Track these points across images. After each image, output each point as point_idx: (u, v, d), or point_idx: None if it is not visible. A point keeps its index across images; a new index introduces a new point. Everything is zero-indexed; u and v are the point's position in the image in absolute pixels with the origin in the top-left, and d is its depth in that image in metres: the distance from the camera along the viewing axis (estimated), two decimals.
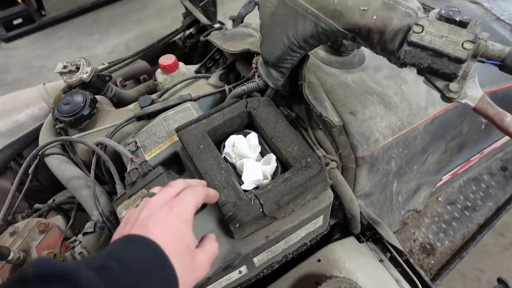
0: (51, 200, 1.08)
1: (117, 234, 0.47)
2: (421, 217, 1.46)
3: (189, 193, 0.52)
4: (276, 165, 0.70)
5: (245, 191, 0.65)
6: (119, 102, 1.04)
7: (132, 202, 0.68)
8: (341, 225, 0.91)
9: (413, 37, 0.51)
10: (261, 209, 0.62)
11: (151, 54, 1.29)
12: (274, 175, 0.70)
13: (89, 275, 0.37)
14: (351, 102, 0.80)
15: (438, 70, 0.52)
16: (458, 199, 1.57)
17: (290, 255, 0.77)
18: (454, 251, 1.42)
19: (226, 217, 0.62)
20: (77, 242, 0.71)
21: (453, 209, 1.55)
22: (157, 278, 0.42)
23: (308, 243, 0.78)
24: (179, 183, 0.55)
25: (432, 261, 1.36)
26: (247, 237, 0.65)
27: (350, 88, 0.83)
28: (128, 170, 0.74)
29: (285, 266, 0.78)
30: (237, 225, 0.61)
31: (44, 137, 0.94)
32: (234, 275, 0.68)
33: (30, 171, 0.94)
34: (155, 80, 1.10)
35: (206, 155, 0.69)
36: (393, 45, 0.55)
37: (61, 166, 0.84)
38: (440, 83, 0.53)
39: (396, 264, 0.89)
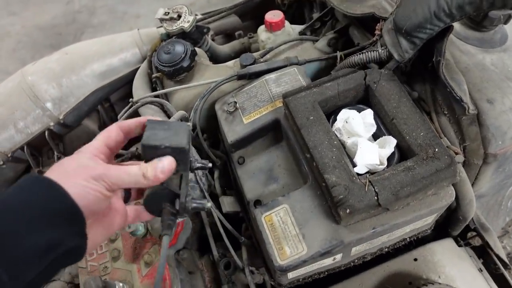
0: (134, 148, 1.08)
1: None
2: None
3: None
4: (393, 150, 0.61)
5: (358, 174, 0.58)
6: (212, 57, 0.99)
7: None
8: (439, 222, 0.81)
9: None
10: (376, 198, 0.55)
11: (244, 9, 1.21)
12: (388, 161, 0.61)
13: None
14: (489, 88, 0.67)
15: None
16: None
17: (386, 249, 0.70)
18: None
19: (335, 199, 0.55)
20: None
21: None
22: (41, 194, 0.40)
23: (408, 239, 0.71)
24: None
25: None
26: (352, 224, 0.59)
27: (488, 71, 0.70)
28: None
29: (377, 258, 0.72)
30: (347, 211, 0.55)
31: (138, 85, 0.93)
32: (327, 261, 0.63)
33: (120, 116, 0.94)
34: (250, 37, 1.04)
35: (316, 128, 0.62)
36: None
37: (154, 117, 0.82)
38: None
39: (495, 277, 0.79)
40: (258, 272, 0.78)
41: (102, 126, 1.31)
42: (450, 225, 0.76)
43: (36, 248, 0.38)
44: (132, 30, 1.18)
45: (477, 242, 0.82)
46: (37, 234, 0.38)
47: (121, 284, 0.68)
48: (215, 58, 1.00)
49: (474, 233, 0.81)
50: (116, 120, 1.32)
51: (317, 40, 0.85)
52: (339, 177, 0.57)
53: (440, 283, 0.65)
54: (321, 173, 0.58)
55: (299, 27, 0.92)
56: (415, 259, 0.72)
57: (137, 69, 1.08)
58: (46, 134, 1.03)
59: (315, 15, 1.12)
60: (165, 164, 0.47)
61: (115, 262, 0.73)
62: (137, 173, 0.46)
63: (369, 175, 0.57)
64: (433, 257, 0.72)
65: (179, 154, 0.48)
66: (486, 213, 0.84)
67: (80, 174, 0.43)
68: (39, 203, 0.40)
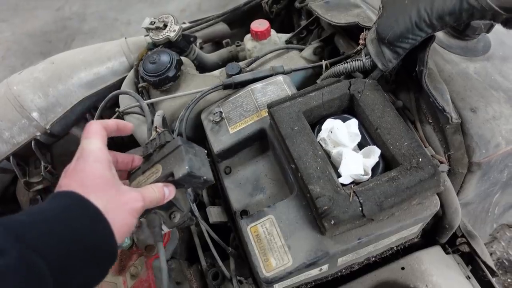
0: None
1: None
2: (502, 229, 1.31)
3: (84, 137, 0.49)
4: (378, 160, 0.61)
5: (343, 185, 0.58)
6: (199, 66, 0.99)
7: (145, 179, 0.54)
8: (426, 230, 0.81)
9: None
10: (360, 208, 0.55)
11: (232, 17, 1.21)
12: (373, 171, 0.61)
13: None
14: (472, 96, 0.68)
15: None
16: None
17: (373, 258, 0.70)
18: None
19: (320, 210, 0.55)
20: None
21: None
22: (77, 218, 0.40)
23: (395, 248, 0.71)
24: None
25: (509, 279, 1.22)
26: (337, 235, 0.58)
27: (471, 80, 0.70)
28: (150, 138, 0.61)
29: (365, 267, 0.71)
30: (332, 222, 0.54)
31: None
32: (313, 272, 0.63)
33: None
34: (238, 45, 1.04)
35: (300, 139, 0.62)
36: None
37: (140, 127, 0.82)
38: None
39: (483, 284, 0.79)
40: (247, 282, 0.77)
41: None
42: (437, 233, 0.76)
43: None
44: (123, 36, 1.17)
45: (466, 248, 0.82)
46: (80, 270, 0.39)
47: None
48: (203, 67, 1.00)
49: (463, 240, 0.82)
50: None
51: (302, 49, 0.85)
52: (323, 188, 0.57)
53: None
54: (306, 184, 0.58)
55: (285, 36, 0.92)
56: (403, 268, 0.72)
57: (124, 78, 1.08)
58: (33, 144, 1.02)
59: (303, 23, 1.12)
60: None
61: None
62: (156, 198, 0.50)
63: (353, 186, 0.57)
64: (420, 266, 0.72)
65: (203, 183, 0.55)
66: (473, 220, 0.84)
67: (126, 208, 0.45)
68: (86, 235, 0.40)
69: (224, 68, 0.82)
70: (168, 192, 0.52)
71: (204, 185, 0.55)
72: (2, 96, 1.01)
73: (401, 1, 0.59)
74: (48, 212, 0.39)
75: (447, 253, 0.81)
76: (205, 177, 0.53)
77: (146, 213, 0.54)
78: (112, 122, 0.53)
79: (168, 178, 0.52)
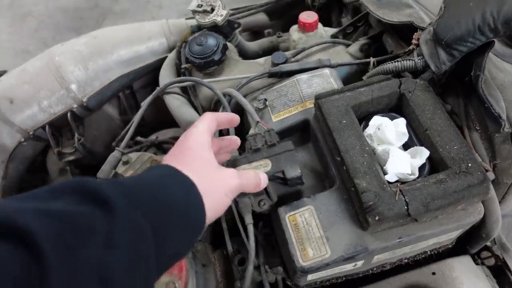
0: (154, 137, 1.10)
1: None
2: None
3: (198, 121, 0.53)
4: (425, 161, 0.61)
5: (388, 182, 0.58)
6: (239, 53, 0.99)
7: (252, 169, 0.62)
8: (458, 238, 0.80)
9: None
10: (405, 207, 0.55)
11: (273, 8, 1.21)
12: (419, 172, 0.61)
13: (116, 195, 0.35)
14: None
15: None
16: None
17: (406, 260, 0.70)
18: None
19: (365, 205, 0.55)
20: None
21: None
22: (171, 187, 0.42)
23: (429, 252, 0.70)
24: None
25: None
26: (378, 232, 0.58)
27: None
28: (250, 132, 0.69)
29: (396, 268, 0.71)
30: (376, 218, 0.54)
31: (165, 74, 0.93)
32: (348, 267, 0.63)
33: (144, 103, 0.94)
34: (279, 36, 1.03)
35: (348, 132, 0.62)
36: None
37: (181, 108, 0.82)
38: None
39: None
40: (271, 271, 0.78)
41: (122, 112, 1.31)
42: (470, 242, 0.75)
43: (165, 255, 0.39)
44: (154, 19, 1.18)
45: (490, 262, 0.81)
46: (174, 238, 0.40)
47: None
48: (243, 54, 1.00)
49: (489, 254, 0.81)
50: (137, 107, 1.33)
51: (349, 45, 0.84)
52: (369, 183, 0.57)
53: None
54: (352, 177, 0.58)
55: (331, 30, 0.92)
56: (433, 273, 0.71)
57: (162, 59, 1.08)
58: (69, 115, 1.04)
59: (344, 20, 1.11)
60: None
61: None
62: (254, 183, 0.54)
63: (399, 184, 0.57)
64: (451, 273, 0.71)
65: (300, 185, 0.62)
66: (507, 233, 0.83)
67: (221, 184, 0.48)
68: (181, 204, 0.41)
69: (269, 56, 0.82)
70: (263, 180, 0.56)
71: (295, 186, 0.62)
72: (44, 65, 1.03)
73: (466, 3, 0.58)
74: (147, 178, 0.41)
75: (476, 263, 0.80)
76: (304, 181, 0.61)
77: (241, 196, 0.59)
78: (223, 115, 0.59)
79: (276, 174, 0.59)
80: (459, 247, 0.80)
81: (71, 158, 1.10)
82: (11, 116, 1.01)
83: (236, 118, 0.60)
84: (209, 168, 0.48)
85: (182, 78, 0.82)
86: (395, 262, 0.69)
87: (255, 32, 1.22)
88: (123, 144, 0.75)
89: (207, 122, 0.52)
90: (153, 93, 0.80)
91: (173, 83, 0.79)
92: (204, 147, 0.49)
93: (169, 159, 0.47)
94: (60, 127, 1.11)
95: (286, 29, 1.09)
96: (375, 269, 0.69)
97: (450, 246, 0.71)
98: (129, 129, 0.82)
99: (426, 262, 0.72)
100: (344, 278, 0.68)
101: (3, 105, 1.00)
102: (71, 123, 1.05)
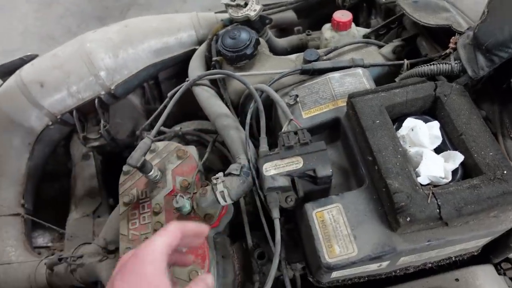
0: (178, 127, 1.10)
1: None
2: None
3: (157, 234, 0.46)
4: (457, 166, 0.60)
5: (421, 184, 0.58)
6: (269, 49, 0.99)
7: (284, 165, 0.64)
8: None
9: None
10: (437, 210, 0.54)
11: (303, 6, 1.21)
12: (452, 176, 0.60)
13: None
14: None
15: None
16: None
17: (430, 264, 0.69)
18: None
19: (396, 206, 0.55)
20: (219, 180, 0.70)
21: None
22: None
23: (453, 258, 0.70)
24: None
25: None
26: (407, 234, 0.58)
27: None
28: (284, 129, 0.70)
29: (419, 272, 0.71)
30: (408, 219, 0.54)
31: (195, 66, 0.94)
32: (372, 267, 0.63)
33: (171, 94, 0.95)
34: (308, 34, 1.03)
35: (381, 132, 0.62)
36: None
37: (210, 100, 0.83)
38: None
39: None
40: (289, 267, 0.78)
41: (146, 102, 1.33)
42: (495, 251, 0.74)
43: None
44: (178, 12, 1.18)
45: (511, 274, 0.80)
46: None
47: None
48: (272, 50, 1.00)
49: (510, 265, 0.80)
50: (160, 98, 1.34)
51: (381, 46, 0.84)
52: (402, 184, 0.56)
53: None
54: (383, 177, 0.57)
55: (363, 30, 0.91)
56: (457, 279, 0.71)
57: (189, 51, 1.09)
58: (96, 102, 1.06)
59: (373, 22, 1.11)
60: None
61: None
62: None
63: (432, 187, 0.57)
64: (475, 281, 0.71)
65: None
66: None
67: None
68: None
69: (300, 53, 0.82)
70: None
71: (323, 185, 0.65)
72: (75, 51, 1.04)
73: (510, 8, 0.58)
74: None
75: (499, 273, 0.79)
76: (332, 181, 0.65)
77: (270, 191, 0.64)
78: (192, 226, 0.50)
79: (306, 172, 0.62)
80: (481, 256, 0.79)
81: (96, 144, 1.12)
82: (40, 100, 1.03)
83: (205, 231, 0.52)
84: None
85: (214, 70, 0.82)
86: (419, 265, 0.68)
87: (282, 30, 1.22)
88: (153, 132, 0.76)
89: (168, 240, 0.45)
90: (185, 83, 0.80)
91: (206, 75, 0.79)
92: (155, 269, 0.43)
93: (117, 285, 0.42)
94: (86, 113, 1.13)
95: (312, 28, 1.09)
96: (398, 271, 0.69)
97: (475, 253, 0.70)
98: (158, 117, 0.83)
99: (449, 268, 0.72)
100: (366, 278, 0.68)
101: (33, 88, 1.02)
102: (97, 109, 1.07)
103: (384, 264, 0.62)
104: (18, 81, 1.03)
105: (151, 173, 0.76)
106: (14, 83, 1.03)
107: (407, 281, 0.71)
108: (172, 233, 0.46)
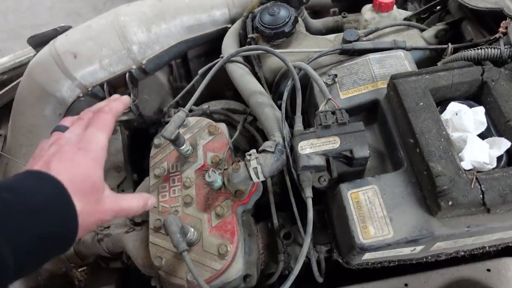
0: (206, 106, 1.10)
1: (24, 169, 0.45)
2: None
3: (96, 127, 0.49)
4: (503, 153, 0.59)
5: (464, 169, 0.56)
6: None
7: (320, 144, 0.64)
8: None
9: None
10: (481, 196, 0.53)
11: None
12: (496, 163, 0.59)
13: None
14: None
15: None
16: None
17: (462, 253, 0.68)
18: None
19: (438, 189, 0.54)
20: (253, 156, 0.70)
21: None
22: (54, 213, 0.41)
23: (487, 248, 0.68)
24: (88, 113, 0.54)
25: None
26: (446, 218, 0.57)
27: None
28: (320, 108, 0.69)
29: (450, 260, 0.70)
30: (449, 203, 0.53)
31: (229, 43, 0.93)
32: (405, 251, 0.62)
33: (202, 71, 0.95)
34: (344, 17, 1.01)
35: (425, 115, 0.60)
36: None
37: (245, 77, 0.82)
38: None
39: None
40: (314, 249, 0.78)
41: (174, 80, 1.33)
42: None
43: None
44: None
45: None
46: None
47: (192, 230, 0.69)
48: (307, 31, 0.98)
49: None
50: (188, 76, 1.34)
51: (424, 29, 0.82)
52: (444, 168, 0.55)
53: None
54: (426, 160, 0.56)
55: (405, 13, 0.89)
56: (488, 270, 0.70)
57: (221, 29, 1.08)
58: (127, 76, 1.06)
59: (410, 7, 1.08)
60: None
61: (186, 208, 0.75)
62: (138, 207, 0.53)
63: (476, 172, 0.55)
64: (507, 272, 0.69)
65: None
66: None
67: (97, 214, 0.46)
68: (57, 232, 0.41)
69: (339, 33, 0.80)
70: (150, 204, 0.56)
71: (358, 167, 0.66)
72: (109, 24, 1.05)
73: None
74: (30, 195, 0.40)
75: None
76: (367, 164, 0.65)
77: (304, 169, 0.64)
78: (120, 106, 0.57)
79: (343, 153, 0.62)
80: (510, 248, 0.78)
81: (124, 118, 1.13)
82: (73, 71, 1.04)
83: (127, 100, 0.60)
84: (95, 197, 0.46)
85: (252, 46, 0.81)
86: (451, 253, 0.67)
87: (315, 12, 1.20)
88: (188, 105, 0.76)
89: (105, 129, 0.50)
90: (221, 59, 0.80)
91: (244, 51, 0.78)
92: (96, 164, 0.47)
93: (60, 169, 0.43)
94: (116, 86, 1.14)
95: (347, 11, 1.06)
96: (429, 257, 0.68)
97: (510, 244, 0.69)
98: (186, 95, 0.83)
99: (482, 257, 0.71)
100: (396, 263, 0.68)
101: (67, 59, 1.03)
102: (128, 83, 1.07)
103: (418, 248, 0.62)
104: (52, 51, 1.04)
105: (183, 147, 0.76)
106: (48, 53, 1.04)
107: (437, 268, 0.70)
108: (109, 122, 0.51)
